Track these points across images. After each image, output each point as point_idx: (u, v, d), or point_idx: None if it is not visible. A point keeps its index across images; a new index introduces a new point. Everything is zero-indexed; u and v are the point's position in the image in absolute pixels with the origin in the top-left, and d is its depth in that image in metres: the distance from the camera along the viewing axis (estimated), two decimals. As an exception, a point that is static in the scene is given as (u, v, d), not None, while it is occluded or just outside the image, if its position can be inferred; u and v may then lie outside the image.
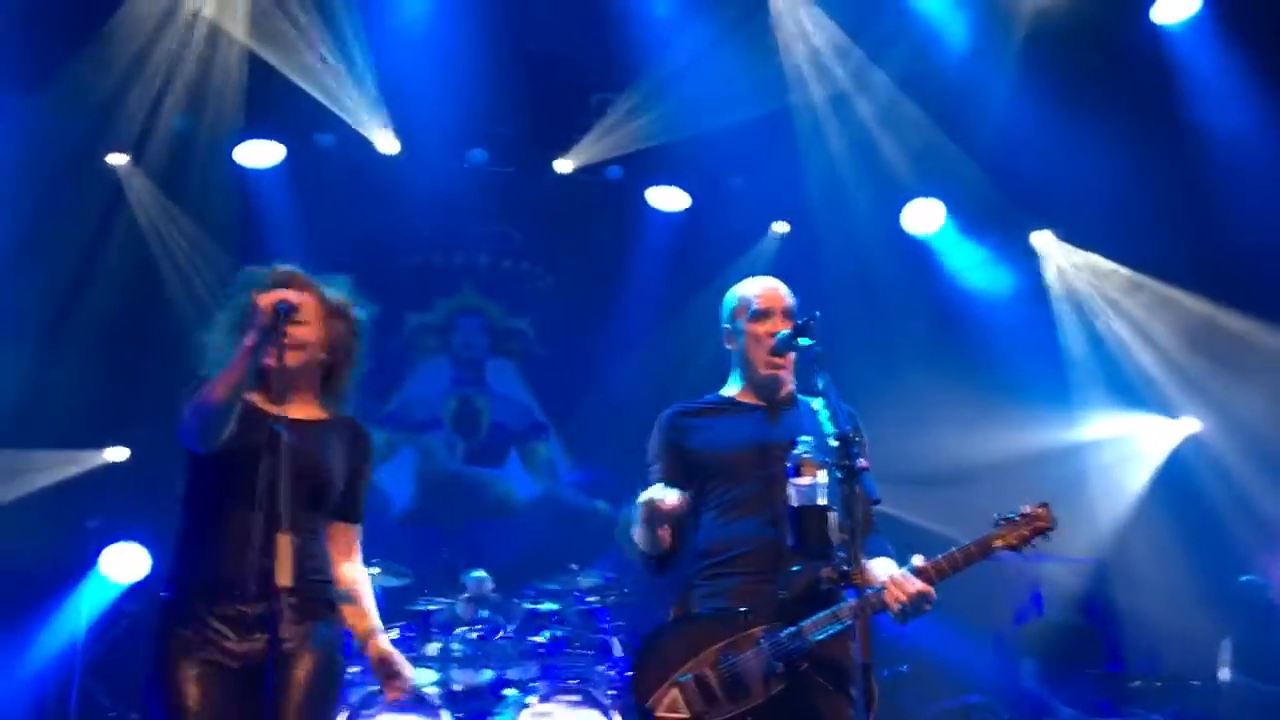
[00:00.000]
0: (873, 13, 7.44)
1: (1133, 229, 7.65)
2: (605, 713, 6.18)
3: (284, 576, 2.56)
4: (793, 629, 3.00)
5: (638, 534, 3.17)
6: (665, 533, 3.12)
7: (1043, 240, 8.35)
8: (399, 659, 3.22)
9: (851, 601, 2.91)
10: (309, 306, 3.21)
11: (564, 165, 8.40)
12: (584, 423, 8.95)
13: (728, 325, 3.42)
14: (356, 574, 3.31)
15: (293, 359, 3.12)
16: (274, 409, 3.11)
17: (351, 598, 3.23)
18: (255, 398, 3.15)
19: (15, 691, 6.24)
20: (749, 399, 3.37)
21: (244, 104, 7.35)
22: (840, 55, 7.62)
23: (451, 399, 9.15)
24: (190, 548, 3.07)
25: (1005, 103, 7.42)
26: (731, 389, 3.43)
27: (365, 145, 7.90)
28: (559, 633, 6.88)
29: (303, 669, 2.96)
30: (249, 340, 2.98)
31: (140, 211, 7.64)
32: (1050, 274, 8.34)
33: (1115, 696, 6.50)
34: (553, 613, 7.06)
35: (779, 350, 3.26)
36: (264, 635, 2.87)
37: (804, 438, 3.03)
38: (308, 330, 3.20)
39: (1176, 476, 7.75)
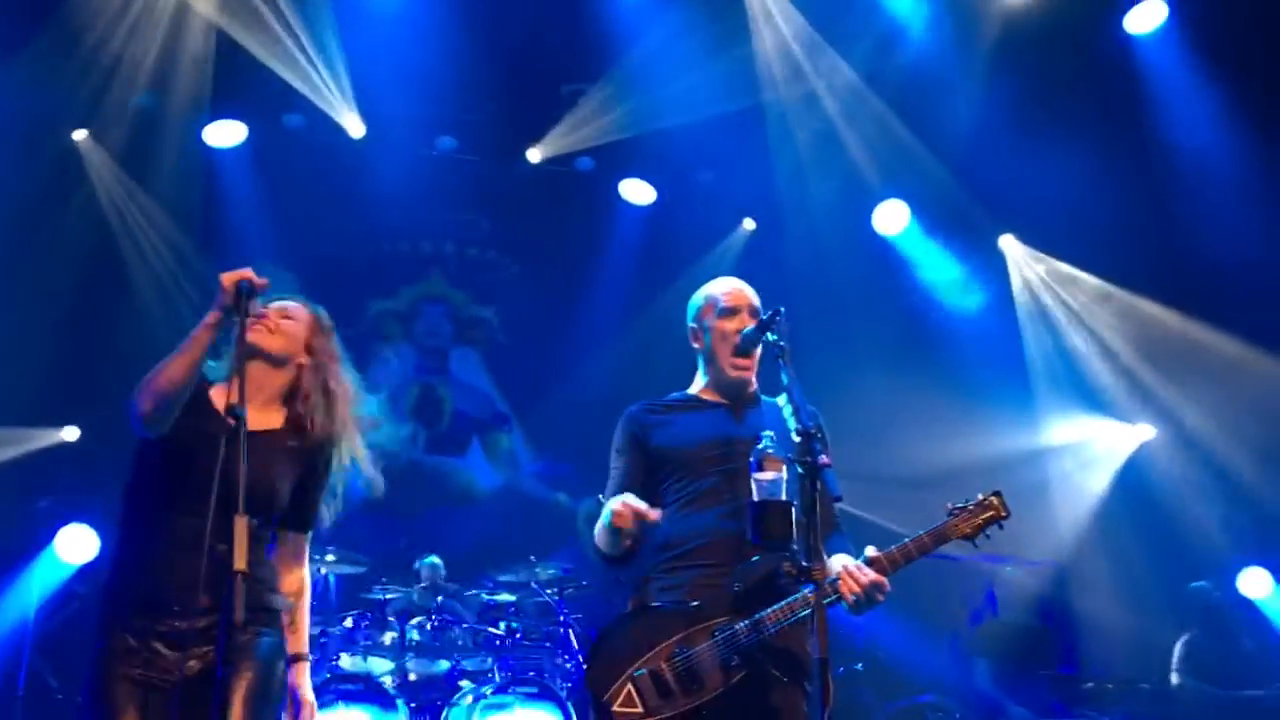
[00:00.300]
0: (844, 11, 7.46)
1: (1096, 235, 7.72)
2: (561, 705, 6.16)
3: (240, 560, 2.50)
4: (748, 621, 3.00)
5: (600, 535, 3.16)
6: (629, 541, 3.11)
7: (1009, 244, 8.40)
8: (309, 702, 3.16)
9: (807, 592, 2.91)
10: (301, 314, 3.26)
11: (534, 155, 8.36)
12: (547, 414, 8.93)
13: (694, 324, 3.44)
14: (299, 585, 3.25)
15: (275, 344, 3.13)
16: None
17: (290, 609, 3.18)
18: (215, 394, 3.08)
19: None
20: (713, 397, 3.39)
21: (211, 83, 7.26)
22: (811, 53, 7.63)
23: (414, 386, 9.09)
24: (132, 555, 2.97)
25: (974, 106, 7.47)
26: (696, 387, 3.44)
27: (333, 128, 7.82)
28: (516, 624, 6.85)
29: (244, 680, 2.89)
30: (209, 318, 2.93)
31: (101, 189, 7.54)
32: (1015, 278, 8.39)
33: (1068, 698, 6.55)
34: (510, 604, 7.04)
35: (744, 347, 3.27)
36: (204, 650, 2.83)
37: (767, 433, 3.03)
38: (296, 328, 3.21)
39: (1133, 482, 7.83)
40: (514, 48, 7.74)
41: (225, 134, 7.74)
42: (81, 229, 7.45)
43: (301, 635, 3.23)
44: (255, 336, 3.10)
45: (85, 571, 6.51)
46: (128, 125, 7.37)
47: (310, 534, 3.28)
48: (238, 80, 7.37)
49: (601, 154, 8.43)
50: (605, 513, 3.07)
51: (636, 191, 8.66)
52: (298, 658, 3.19)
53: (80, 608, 6.43)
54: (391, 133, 8.05)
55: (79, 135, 7.41)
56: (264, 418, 3.12)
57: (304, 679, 3.18)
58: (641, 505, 3.00)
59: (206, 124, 7.62)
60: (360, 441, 3.30)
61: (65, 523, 6.50)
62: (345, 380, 3.31)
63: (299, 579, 3.27)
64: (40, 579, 6.37)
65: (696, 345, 3.43)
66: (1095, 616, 7.29)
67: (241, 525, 2.55)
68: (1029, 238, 8.34)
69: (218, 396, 3.08)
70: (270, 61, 7.20)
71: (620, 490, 3.21)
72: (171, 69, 7.17)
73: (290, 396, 3.21)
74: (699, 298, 3.46)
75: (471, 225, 9.24)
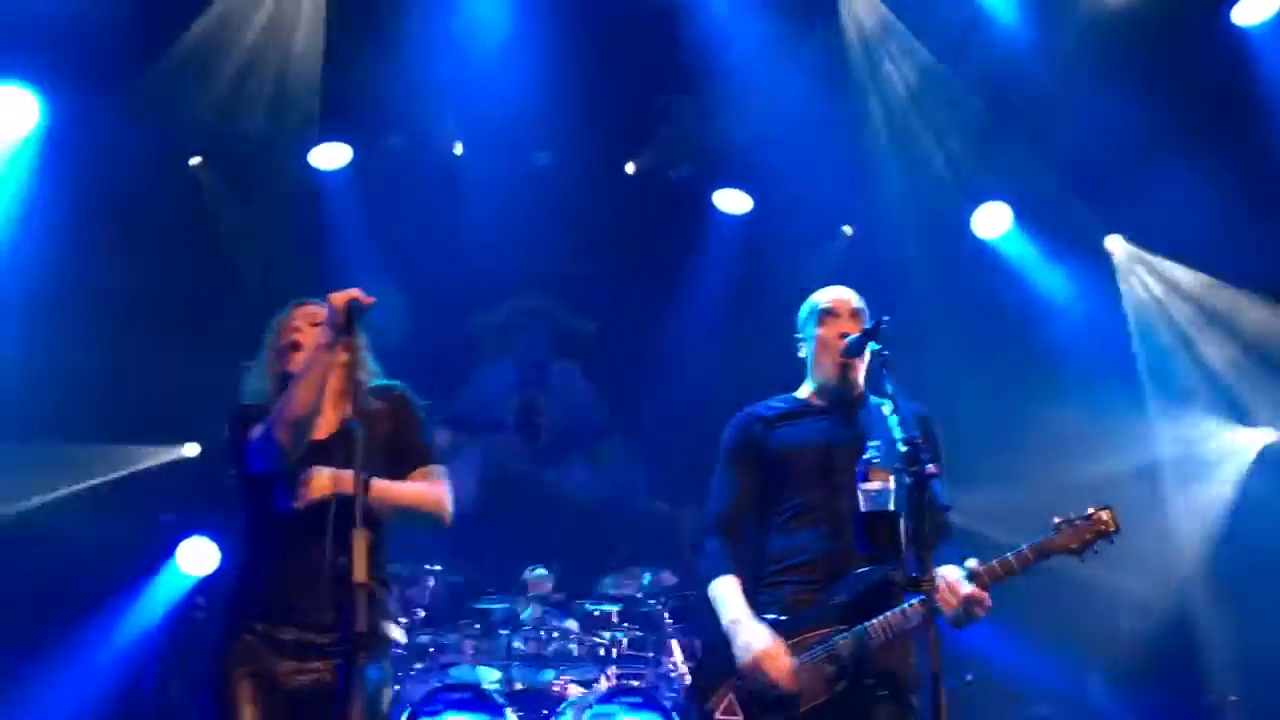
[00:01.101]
0: (940, 11, 7.37)
1: (1206, 234, 7.48)
2: (666, 715, 6.16)
3: (360, 572, 2.57)
4: (851, 633, 2.98)
5: (712, 600, 3.16)
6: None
7: (1115, 245, 8.19)
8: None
9: (914, 603, 2.89)
10: (326, 314, 3.20)
11: (629, 166, 8.41)
12: (647, 424, 8.96)
13: (799, 334, 3.47)
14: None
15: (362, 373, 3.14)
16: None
17: None
18: None
19: (94, 680, 6.39)
20: (819, 401, 3.39)
21: (317, 107, 7.46)
22: (907, 55, 7.55)
23: (515, 399, 9.21)
24: (251, 567, 3.08)
25: (1076, 104, 7.30)
26: (803, 392, 3.46)
27: (433, 147, 7.98)
28: (621, 634, 6.89)
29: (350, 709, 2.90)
30: (323, 338, 3.00)
31: (217, 213, 7.79)
32: (1122, 280, 8.17)
33: (1188, 712, 6.36)
34: (615, 614, 7.08)
35: (848, 353, 3.26)
36: (317, 665, 2.90)
37: (873, 443, 3.02)
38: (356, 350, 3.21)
39: (1255, 487, 7.56)
40: (607, 61, 7.80)
41: (330, 156, 7.95)
42: (198, 252, 7.73)
43: (391, 484, 3.12)
44: (295, 366, 3.14)
45: (206, 583, 6.73)
46: (241, 151, 7.61)
47: (440, 464, 3.26)
48: (342, 104, 7.57)
49: (697, 164, 8.44)
50: (739, 647, 3.02)
51: (732, 201, 8.65)
52: None
53: (203, 618, 6.65)
54: (489, 149, 8.18)
55: (194, 161, 7.68)
56: (336, 417, 3.14)
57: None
58: (782, 673, 2.97)
59: (313, 147, 7.84)
60: None
61: (186, 536, 6.73)
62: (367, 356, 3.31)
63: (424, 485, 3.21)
64: (164, 591, 6.60)
65: (802, 354, 3.46)
66: (1215, 629, 7.06)
67: (360, 538, 2.61)
68: (1136, 238, 8.12)
69: None
70: (373, 85, 7.38)
71: (732, 501, 3.24)
72: (280, 95, 7.40)
73: (349, 392, 3.18)
74: (805, 306, 3.49)
75: (570, 238, 9.32)
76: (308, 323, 3.26)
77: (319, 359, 2.99)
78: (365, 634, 2.67)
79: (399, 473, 3.17)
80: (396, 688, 6.06)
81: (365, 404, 3.13)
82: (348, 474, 2.77)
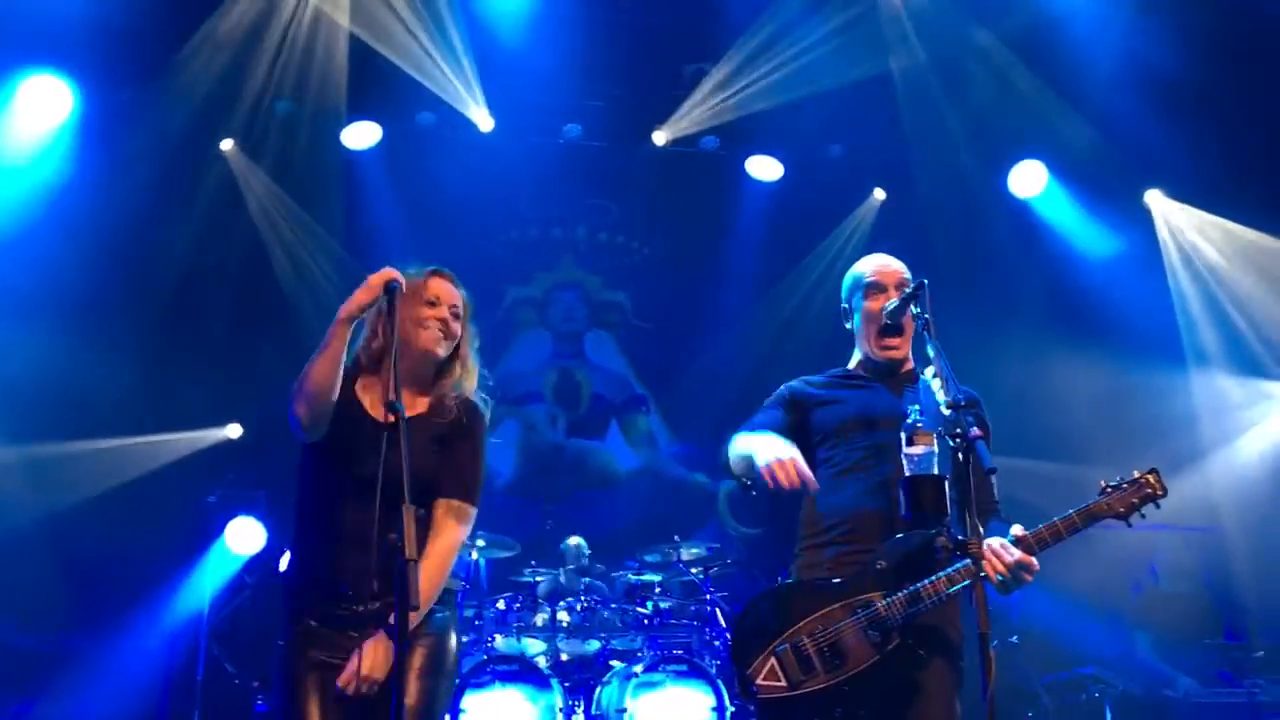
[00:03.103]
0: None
1: (1246, 185, 7.36)
2: (711, 682, 6.21)
3: (411, 549, 2.60)
4: (896, 597, 2.98)
5: (738, 463, 3.14)
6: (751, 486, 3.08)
7: (1155, 199, 8.07)
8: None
9: (955, 570, 2.89)
10: (462, 304, 3.26)
11: (659, 137, 8.39)
12: (683, 394, 8.98)
13: (845, 304, 3.43)
14: (434, 546, 3.14)
15: (443, 348, 3.17)
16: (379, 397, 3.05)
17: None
18: (360, 387, 3.14)
19: (147, 658, 6.51)
20: (866, 372, 3.38)
21: (347, 87, 7.48)
22: (937, 13, 7.45)
23: (552, 372, 9.24)
24: (305, 547, 3.10)
25: (1109, 56, 7.16)
26: (852, 363, 3.45)
27: (463, 123, 7.98)
28: (663, 603, 6.93)
29: (418, 655, 2.99)
30: (344, 313, 2.98)
31: (250, 195, 7.85)
32: (1162, 234, 8.06)
33: (1238, 667, 6.32)
34: (656, 584, 7.12)
35: (890, 327, 3.24)
36: (378, 630, 2.93)
37: (914, 406, 3.00)
38: (459, 326, 3.24)
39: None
40: (635, 31, 7.77)
41: (362, 136, 7.98)
42: (234, 235, 7.79)
43: (428, 585, 3.04)
44: (429, 342, 3.15)
45: (254, 562, 6.83)
46: (272, 133, 7.65)
47: (472, 505, 3.19)
48: (371, 83, 7.59)
49: (726, 132, 8.39)
50: (763, 454, 2.94)
51: (763, 168, 8.60)
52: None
53: (251, 596, 6.75)
54: (519, 124, 8.18)
55: (226, 145, 7.73)
56: (411, 403, 3.15)
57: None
58: (807, 473, 2.92)
59: (344, 127, 7.86)
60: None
61: (233, 516, 6.82)
62: (474, 352, 3.33)
63: (443, 541, 3.13)
64: (213, 571, 6.70)
65: (847, 324, 3.43)
66: (1261, 583, 6.99)
67: (410, 515, 2.64)
68: (1175, 191, 8.00)
69: (362, 390, 3.14)
70: (401, 63, 7.39)
71: (763, 425, 3.20)
72: (310, 76, 7.42)
73: (440, 387, 3.24)
74: (849, 276, 3.44)
75: (601, 210, 9.33)
76: (452, 316, 3.22)
77: (338, 334, 2.98)
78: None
79: (437, 486, 3.16)
80: (464, 638, 6.14)
81: (445, 408, 3.18)
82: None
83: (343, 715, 2.93)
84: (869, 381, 3.35)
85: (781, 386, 3.39)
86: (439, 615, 3.11)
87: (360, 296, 2.98)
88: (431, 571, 3.02)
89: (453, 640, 3.16)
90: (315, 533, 3.09)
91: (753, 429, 3.21)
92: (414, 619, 2.80)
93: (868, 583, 3.03)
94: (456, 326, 3.23)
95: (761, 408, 3.37)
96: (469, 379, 3.30)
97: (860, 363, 3.41)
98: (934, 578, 2.96)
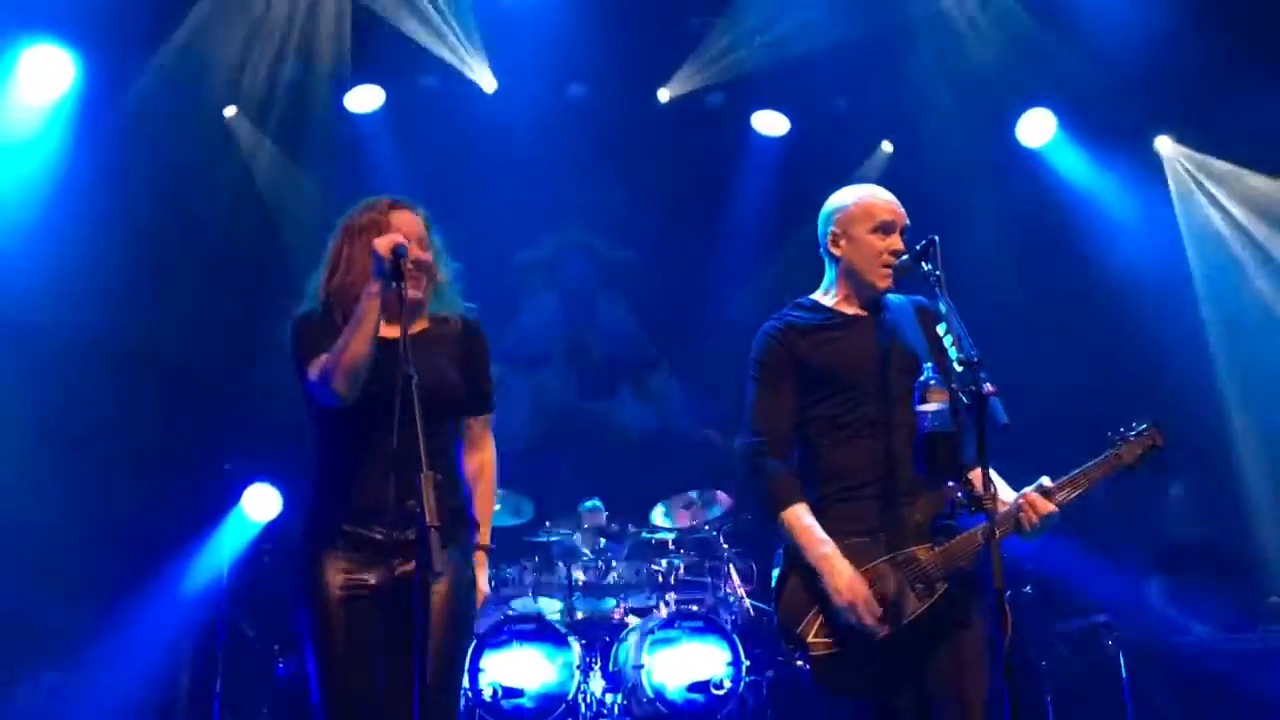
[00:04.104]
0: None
1: (1259, 128, 7.28)
2: (727, 638, 6.27)
3: (431, 516, 2.64)
4: (933, 550, 3.00)
5: (794, 539, 3.13)
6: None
7: (1164, 146, 8.00)
8: (483, 591, 3.28)
9: (987, 523, 2.91)
10: (425, 227, 3.32)
11: (664, 94, 8.32)
12: (695, 352, 8.97)
13: (835, 229, 3.33)
14: (478, 468, 3.35)
15: (426, 287, 3.25)
16: (386, 328, 3.12)
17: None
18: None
19: (167, 626, 6.58)
20: (851, 308, 3.32)
21: (349, 51, 7.43)
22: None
23: (562, 333, 9.24)
24: (325, 484, 3.16)
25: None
26: (828, 297, 3.37)
27: (466, 85, 7.93)
28: (678, 561, 6.99)
29: (440, 591, 3.03)
30: (373, 287, 3.04)
31: (255, 161, 7.82)
32: (1172, 182, 8.00)
33: (1252, 613, 6.35)
34: (670, 541, 7.17)
35: (899, 273, 3.22)
36: (402, 562, 2.99)
37: (928, 364, 3.01)
38: (429, 254, 3.28)
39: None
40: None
41: (365, 99, 7.93)
42: (241, 202, 7.77)
43: (482, 525, 3.32)
44: (417, 292, 3.21)
45: (271, 528, 6.88)
46: (276, 99, 7.61)
47: (489, 415, 3.38)
48: (373, 46, 7.54)
49: (732, 88, 8.33)
50: (837, 594, 3.00)
51: (770, 123, 8.54)
52: (477, 547, 3.29)
53: (269, 561, 6.81)
54: (523, 84, 8.12)
55: (229, 112, 7.69)
56: (417, 324, 3.26)
57: (481, 570, 3.28)
58: (869, 615, 2.99)
59: (347, 91, 7.82)
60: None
61: (249, 483, 6.87)
62: (443, 267, 3.38)
63: (478, 462, 3.36)
64: (231, 537, 6.76)
65: (836, 252, 3.33)
66: (1273, 527, 7.01)
67: (429, 481, 2.67)
68: (1186, 138, 7.93)
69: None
70: (403, 25, 7.33)
71: (781, 419, 3.19)
72: (311, 40, 7.38)
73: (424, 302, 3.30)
74: (845, 202, 3.34)
75: (608, 169, 9.27)
76: (420, 251, 3.24)
77: (371, 308, 3.02)
78: (443, 530, 2.75)
79: (459, 406, 3.28)
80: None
81: (439, 327, 3.28)
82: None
83: (368, 647, 3.00)
84: (859, 319, 3.30)
85: (763, 339, 3.31)
86: (458, 554, 3.16)
87: (380, 266, 3.01)
88: (487, 492, 3.30)
89: (473, 578, 3.23)
90: (340, 471, 3.13)
91: (763, 435, 3.20)
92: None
93: (909, 537, 3.06)
94: (428, 256, 3.26)
95: (754, 378, 3.29)
96: (444, 285, 3.34)
97: (843, 297, 3.34)
98: (969, 530, 2.99)
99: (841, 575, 3.02)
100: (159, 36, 7.01)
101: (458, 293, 3.40)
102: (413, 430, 2.74)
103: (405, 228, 3.23)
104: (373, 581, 3.06)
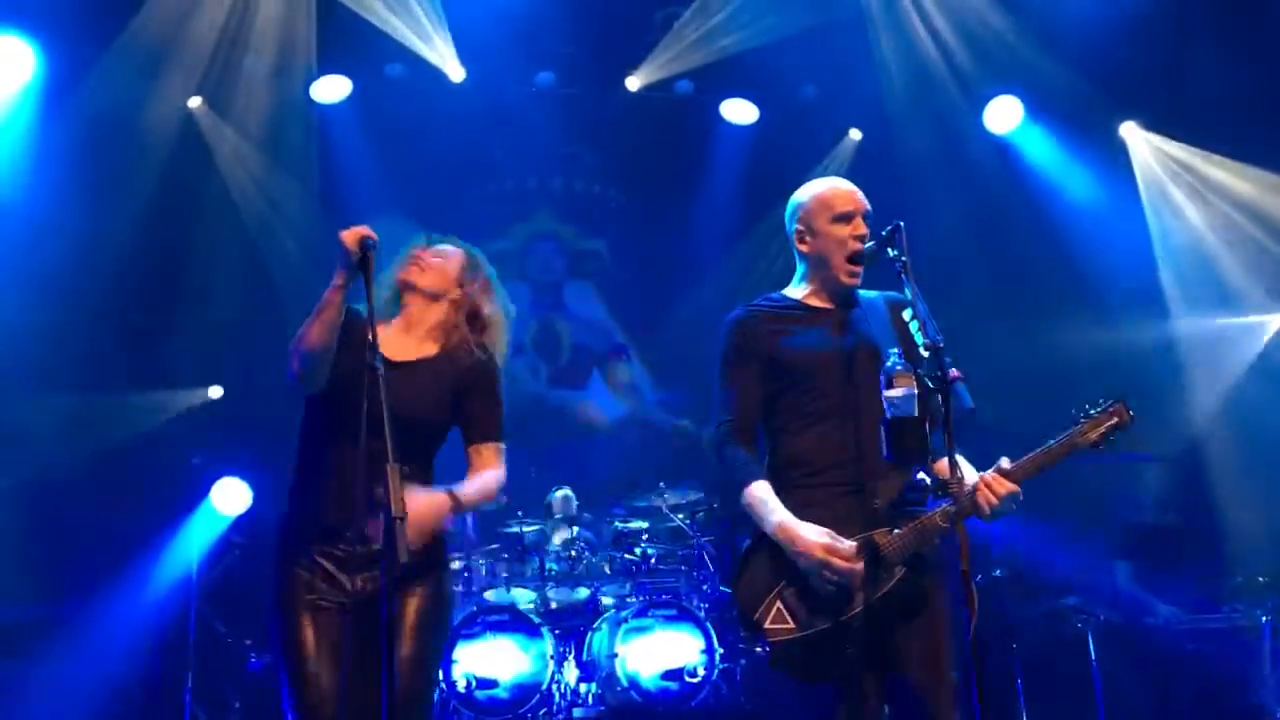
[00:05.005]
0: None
1: (1225, 115, 7.35)
2: (700, 625, 6.29)
3: (397, 507, 2.63)
4: (891, 535, 3.01)
5: (754, 517, 3.15)
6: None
7: (1130, 131, 8.07)
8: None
9: (946, 507, 2.92)
10: (454, 252, 3.46)
11: (633, 83, 8.30)
12: (664, 341, 8.98)
13: (800, 225, 3.36)
14: (477, 475, 3.32)
15: (426, 281, 3.34)
16: (395, 341, 3.23)
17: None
18: (381, 329, 3.17)
19: (137, 622, 6.53)
20: (820, 302, 3.34)
21: (315, 40, 7.37)
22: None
23: (531, 323, 9.22)
24: (300, 489, 3.19)
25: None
26: (798, 291, 3.39)
27: (434, 74, 7.88)
28: (650, 550, 7.00)
29: (414, 600, 3.07)
30: (338, 279, 3.05)
31: (220, 153, 7.74)
32: (1137, 166, 8.06)
33: (1216, 594, 6.43)
34: (643, 530, 7.18)
35: (863, 260, 3.23)
36: (374, 573, 2.99)
37: (894, 350, 3.02)
38: (447, 265, 3.40)
39: (1272, 369, 7.54)
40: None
41: (331, 89, 7.86)
42: (206, 193, 7.70)
43: (464, 487, 3.24)
44: (409, 275, 3.35)
45: (241, 522, 6.84)
46: (240, 89, 7.53)
47: (498, 445, 3.36)
48: (339, 35, 7.47)
49: (701, 76, 8.32)
50: (799, 543, 3.01)
51: (738, 111, 8.55)
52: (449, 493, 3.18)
53: (240, 556, 6.77)
54: (490, 73, 8.08)
55: (194, 102, 7.60)
56: (420, 348, 3.33)
57: (443, 496, 3.16)
58: (842, 561, 2.98)
59: (313, 81, 7.75)
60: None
61: (218, 477, 6.82)
62: (499, 309, 3.47)
63: (483, 472, 3.32)
64: (200, 532, 6.71)
65: (803, 248, 3.36)
66: (1238, 510, 7.10)
67: (394, 473, 2.67)
68: (1152, 123, 8.00)
69: (385, 333, 3.22)
70: (369, 13, 7.28)
71: (745, 407, 3.22)
72: (275, 29, 7.31)
73: (446, 329, 3.37)
74: (805, 197, 3.37)
75: (576, 159, 9.26)
76: (432, 254, 3.42)
77: (331, 298, 3.05)
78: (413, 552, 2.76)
79: (468, 431, 3.34)
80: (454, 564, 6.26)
81: (458, 352, 3.34)
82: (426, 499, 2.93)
83: (339, 659, 3.00)
84: (828, 313, 3.31)
85: (730, 329, 3.32)
86: (433, 561, 3.17)
87: (347, 258, 3.05)
88: (480, 485, 3.25)
89: (448, 588, 3.25)
90: (311, 470, 3.15)
91: (728, 423, 3.23)
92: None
93: (869, 522, 3.06)
94: (440, 262, 3.39)
95: (722, 369, 3.30)
96: (492, 334, 3.43)
97: (813, 291, 3.36)
98: (923, 517, 3.00)
99: (802, 537, 3.03)
100: (121, 26, 6.92)
101: (506, 332, 3.49)
102: (380, 424, 2.74)
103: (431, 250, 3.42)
104: (342, 592, 3.06)
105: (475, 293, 3.42)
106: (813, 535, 3.02)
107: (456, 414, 3.33)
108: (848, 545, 2.99)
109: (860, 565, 2.97)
